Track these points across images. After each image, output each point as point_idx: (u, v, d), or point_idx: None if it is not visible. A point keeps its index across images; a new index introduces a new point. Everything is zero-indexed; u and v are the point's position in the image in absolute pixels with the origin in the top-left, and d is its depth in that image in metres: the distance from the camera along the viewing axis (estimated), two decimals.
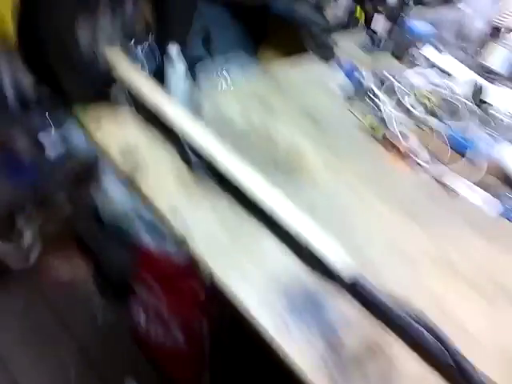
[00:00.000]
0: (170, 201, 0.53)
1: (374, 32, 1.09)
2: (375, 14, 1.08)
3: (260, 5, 1.48)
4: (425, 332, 0.41)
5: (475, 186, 0.68)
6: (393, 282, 0.49)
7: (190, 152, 0.54)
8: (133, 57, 0.65)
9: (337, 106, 0.81)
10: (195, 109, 0.64)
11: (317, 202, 0.59)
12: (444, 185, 0.68)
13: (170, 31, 0.67)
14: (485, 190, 0.68)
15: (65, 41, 0.55)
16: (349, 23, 1.22)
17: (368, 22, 1.22)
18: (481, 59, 0.99)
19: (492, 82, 0.92)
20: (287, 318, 0.43)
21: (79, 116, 0.61)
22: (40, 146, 1.13)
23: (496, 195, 0.67)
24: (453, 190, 0.67)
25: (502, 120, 0.80)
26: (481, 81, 0.89)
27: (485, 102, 0.85)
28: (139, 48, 0.66)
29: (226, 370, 0.96)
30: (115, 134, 0.60)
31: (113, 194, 1.25)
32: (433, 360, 0.41)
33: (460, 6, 1.01)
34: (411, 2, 1.06)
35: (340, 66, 0.92)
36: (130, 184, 0.55)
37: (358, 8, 1.21)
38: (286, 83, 0.83)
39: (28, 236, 1.21)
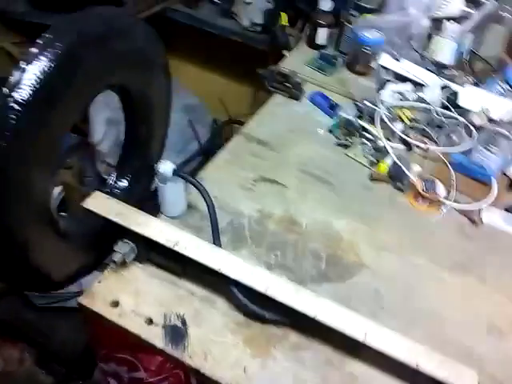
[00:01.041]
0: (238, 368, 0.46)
1: (321, 47, 1.08)
2: (318, 28, 1.07)
3: (156, 13, 1.39)
4: None
5: (496, 209, 0.72)
6: (487, 357, 0.50)
7: (248, 301, 0.47)
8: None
9: (334, 154, 0.78)
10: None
11: (379, 287, 0.57)
12: (473, 219, 0.71)
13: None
14: (506, 209, 0.73)
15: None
16: (272, 30, 1.20)
17: (297, 29, 1.21)
18: (432, 56, 1.04)
19: (452, 80, 0.98)
20: None
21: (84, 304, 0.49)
22: None
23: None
24: (480, 221, 0.70)
25: (487, 127, 0.85)
26: (449, 84, 0.93)
27: (460, 107, 0.90)
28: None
29: None
30: (139, 305, 0.50)
31: None
32: None
33: (404, 7, 1.04)
34: (352, 9, 1.06)
35: (314, 102, 0.89)
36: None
37: (283, 14, 1.19)
38: (272, 140, 0.78)
39: None
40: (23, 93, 0.35)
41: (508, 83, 0.99)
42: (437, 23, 1.07)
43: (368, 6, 1.06)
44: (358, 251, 0.61)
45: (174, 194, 0.54)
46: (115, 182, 0.52)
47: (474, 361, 0.50)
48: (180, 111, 1.76)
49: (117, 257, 0.47)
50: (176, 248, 0.46)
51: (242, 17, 1.30)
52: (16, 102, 0.34)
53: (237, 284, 0.47)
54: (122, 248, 0.48)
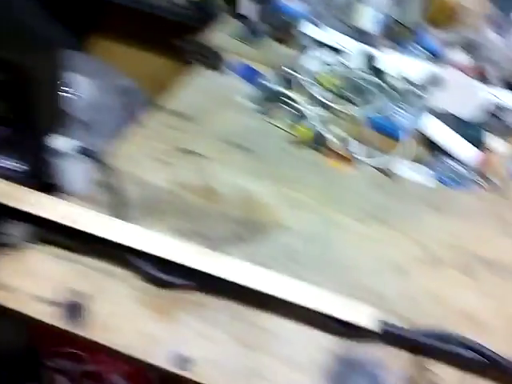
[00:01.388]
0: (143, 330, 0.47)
1: (245, 17, 1.09)
2: None
3: None
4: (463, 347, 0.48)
5: (411, 164, 0.78)
6: (395, 299, 0.55)
7: (152, 269, 0.48)
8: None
9: (256, 122, 0.80)
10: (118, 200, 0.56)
11: (293, 244, 0.60)
12: (387, 173, 0.76)
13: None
14: (418, 163, 0.79)
15: None
16: (202, 6, 1.19)
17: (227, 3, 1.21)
18: (354, 23, 1.08)
19: (374, 46, 1.03)
20: None
21: None
22: None
23: (429, 166, 0.78)
24: (396, 175, 0.76)
25: (398, 85, 0.91)
26: (369, 49, 0.98)
27: (379, 71, 0.94)
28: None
29: None
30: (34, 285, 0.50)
31: None
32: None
33: None
34: None
35: (235, 71, 0.90)
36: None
37: None
38: (192, 112, 0.78)
39: None
40: None
41: (423, 47, 1.06)
42: None
43: None
44: (276, 213, 0.64)
45: (75, 170, 0.53)
46: (7, 165, 0.51)
47: (384, 302, 0.54)
48: (113, 94, 1.72)
49: (7, 239, 0.47)
50: (73, 225, 0.46)
51: None
52: None
53: (138, 253, 0.48)
54: (13, 230, 0.47)
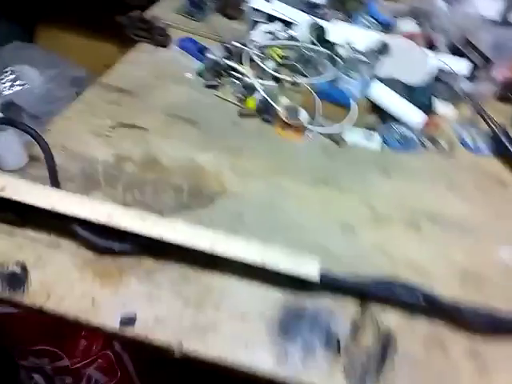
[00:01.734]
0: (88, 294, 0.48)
1: None
2: None
3: None
4: (397, 288, 0.51)
5: (361, 130, 0.81)
6: (343, 254, 0.58)
7: (92, 235, 0.49)
8: None
9: (203, 96, 0.81)
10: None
11: (240, 209, 0.62)
12: (337, 140, 0.78)
13: None
14: (366, 127, 0.82)
15: None
16: None
17: None
18: None
19: (324, 17, 1.06)
20: (285, 346, 0.48)
21: None
22: None
23: (378, 131, 0.82)
24: (345, 142, 0.79)
25: (347, 54, 0.94)
26: (318, 21, 1.00)
27: (328, 42, 0.98)
28: None
29: None
30: None
31: None
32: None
33: None
34: None
35: (183, 47, 0.91)
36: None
37: None
38: (135, 88, 0.79)
39: None
40: None
41: (374, 18, 1.10)
42: None
43: None
44: (222, 180, 0.65)
45: (6, 143, 0.53)
46: None
47: (331, 258, 0.57)
48: (67, 85, 1.70)
49: None
50: (3, 194, 0.46)
51: None
52: None
53: (80, 222, 0.48)
54: None
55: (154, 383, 1.20)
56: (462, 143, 0.85)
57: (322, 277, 0.50)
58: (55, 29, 1.92)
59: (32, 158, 0.58)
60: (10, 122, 0.52)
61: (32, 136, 0.51)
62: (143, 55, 0.87)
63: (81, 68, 1.75)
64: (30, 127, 0.51)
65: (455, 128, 0.88)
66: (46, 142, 0.51)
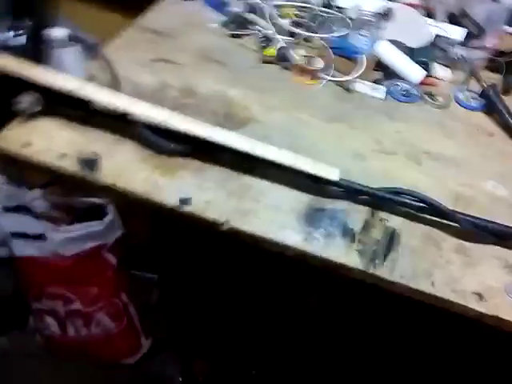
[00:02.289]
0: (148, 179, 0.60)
1: None
2: None
3: None
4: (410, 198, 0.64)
5: (365, 81, 0.94)
6: (354, 175, 0.70)
7: (152, 135, 0.60)
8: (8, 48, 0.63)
9: (228, 43, 0.93)
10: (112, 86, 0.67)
11: (268, 133, 0.74)
12: (347, 88, 0.91)
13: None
14: (373, 81, 0.95)
15: None
16: None
17: None
18: None
19: None
20: (311, 231, 0.60)
21: None
22: None
23: (382, 83, 0.95)
24: (354, 91, 0.92)
25: (358, 18, 1.07)
26: None
27: (338, 7, 1.10)
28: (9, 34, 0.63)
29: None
30: (52, 145, 0.60)
31: None
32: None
33: None
34: None
35: (207, 2, 1.02)
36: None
37: None
38: (168, 31, 0.90)
39: None
40: None
41: None
42: None
43: None
44: (250, 110, 0.77)
45: (70, 59, 0.64)
46: (8, 38, 0.60)
47: (345, 175, 0.69)
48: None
49: (22, 106, 0.57)
50: (81, 93, 0.57)
51: None
52: None
53: (141, 123, 0.59)
54: (27, 98, 0.57)
55: (156, 332, 1.32)
56: (456, 100, 0.99)
57: (341, 180, 0.63)
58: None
59: (90, 76, 0.68)
60: (75, 39, 0.62)
61: (97, 52, 0.62)
62: (172, 6, 0.97)
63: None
64: (95, 44, 0.62)
65: (450, 87, 1.02)
66: (109, 59, 0.62)
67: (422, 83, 0.98)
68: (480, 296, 0.59)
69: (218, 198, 0.60)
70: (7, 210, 1.08)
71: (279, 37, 0.94)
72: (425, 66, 1.01)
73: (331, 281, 0.90)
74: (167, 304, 1.31)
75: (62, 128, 0.60)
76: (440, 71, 1.05)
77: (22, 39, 0.61)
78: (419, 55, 1.02)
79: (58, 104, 0.58)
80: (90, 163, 0.56)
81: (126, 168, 0.59)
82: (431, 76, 1.01)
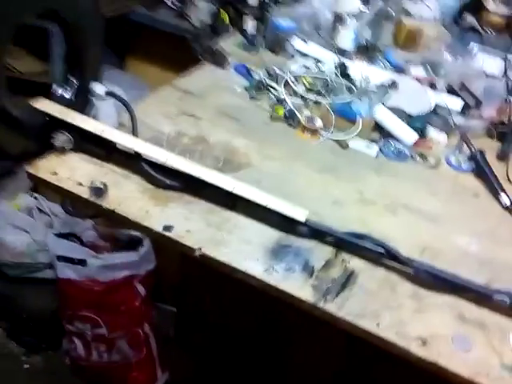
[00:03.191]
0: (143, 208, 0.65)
1: (246, 32, 1.32)
2: (244, 16, 1.30)
3: (117, 15, 1.59)
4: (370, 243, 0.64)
5: (363, 140, 0.96)
6: (330, 218, 0.71)
7: (153, 171, 0.67)
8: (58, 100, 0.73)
9: (246, 104, 1.00)
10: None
11: (260, 178, 0.77)
12: (342, 145, 0.93)
13: (85, 68, 0.76)
14: (369, 140, 0.96)
15: None
16: (216, 26, 1.43)
17: (234, 23, 1.45)
18: (335, 42, 1.29)
19: (349, 59, 1.23)
20: (273, 264, 0.62)
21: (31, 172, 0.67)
22: None
23: (376, 142, 0.96)
24: (349, 148, 0.93)
25: (362, 85, 1.10)
26: (342, 59, 1.18)
27: (348, 75, 1.14)
28: (61, 91, 0.74)
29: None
30: (73, 175, 0.68)
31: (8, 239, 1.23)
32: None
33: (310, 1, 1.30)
34: (271, 3, 1.31)
35: (235, 69, 1.11)
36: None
37: (221, 10, 1.43)
38: (197, 91, 0.99)
39: None
40: None
41: (389, 62, 1.26)
42: (338, 17, 1.33)
43: None
44: (248, 157, 0.82)
45: (106, 110, 0.73)
46: (60, 93, 0.70)
47: (319, 219, 0.70)
48: None
49: (56, 142, 0.66)
50: (102, 134, 0.65)
51: (194, 18, 1.54)
52: None
53: (146, 162, 0.66)
54: (61, 137, 0.66)
55: (174, 364, 1.25)
56: (447, 162, 0.97)
57: (308, 221, 0.64)
58: (138, 58, 2.21)
59: (120, 124, 0.78)
60: (111, 94, 0.72)
61: (125, 105, 0.70)
62: (206, 71, 1.08)
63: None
64: (124, 99, 0.71)
65: (444, 150, 1.00)
66: (133, 110, 0.71)
67: (416, 145, 0.98)
68: (424, 341, 0.56)
69: (197, 228, 0.64)
70: (59, 236, 1.14)
71: (288, 99, 0.99)
72: (420, 129, 1.01)
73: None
74: (185, 339, 1.26)
75: (84, 162, 0.69)
76: (436, 136, 1.04)
77: (71, 94, 0.71)
78: (418, 121, 1.02)
79: (86, 142, 0.66)
80: (99, 191, 0.63)
81: (128, 197, 0.65)
82: (426, 139, 1.01)
